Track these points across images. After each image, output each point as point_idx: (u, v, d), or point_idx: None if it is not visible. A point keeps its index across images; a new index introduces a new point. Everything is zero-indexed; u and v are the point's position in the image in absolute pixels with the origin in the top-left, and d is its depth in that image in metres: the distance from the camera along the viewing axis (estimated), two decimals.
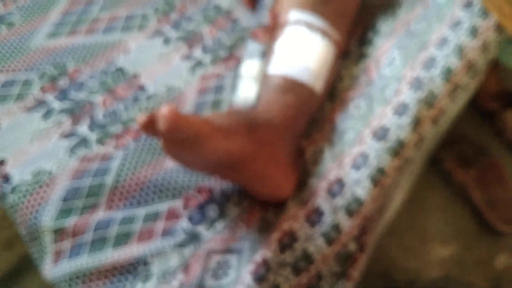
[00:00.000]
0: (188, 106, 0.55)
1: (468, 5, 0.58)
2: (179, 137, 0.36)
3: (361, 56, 0.62)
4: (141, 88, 0.56)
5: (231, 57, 0.61)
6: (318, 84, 0.52)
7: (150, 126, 0.36)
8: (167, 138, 0.37)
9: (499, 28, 0.57)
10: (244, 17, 0.65)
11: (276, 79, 0.51)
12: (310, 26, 0.53)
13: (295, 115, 0.49)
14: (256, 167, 0.43)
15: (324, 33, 0.54)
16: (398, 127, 0.50)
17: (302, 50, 0.52)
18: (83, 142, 0.50)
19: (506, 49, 0.67)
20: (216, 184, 0.48)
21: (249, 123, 0.44)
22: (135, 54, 0.59)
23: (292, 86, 0.50)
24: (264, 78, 0.53)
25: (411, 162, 0.54)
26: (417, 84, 0.52)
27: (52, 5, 0.63)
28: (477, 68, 0.57)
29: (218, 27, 0.63)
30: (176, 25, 0.63)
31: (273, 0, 0.60)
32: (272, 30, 0.56)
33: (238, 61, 0.60)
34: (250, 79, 0.54)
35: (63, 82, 0.55)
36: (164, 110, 0.34)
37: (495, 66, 0.95)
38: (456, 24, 0.57)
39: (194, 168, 0.43)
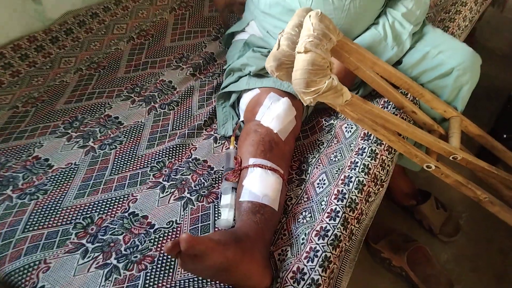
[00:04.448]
0: None
1: (367, 137, 0.87)
2: (193, 253, 0.57)
3: (301, 181, 0.88)
4: (150, 225, 0.77)
5: (210, 194, 0.85)
6: (275, 205, 0.76)
7: (173, 249, 0.56)
8: (184, 255, 0.58)
9: (390, 149, 0.86)
10: (218, 164, 0.91)
11: (247, 204, 0.74)
12: (263, 167, 0.79)
13: (264, 228, 0.72)
14: (243, 268, 0.63)
15: (273, 171, 0.80)
16: (334, 227, 0.74)
17: (261, 184, 0.77)
18: (114, 269, 0.69)
19: (405, 158, 0.97)
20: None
21: (234, 237, 0.65)
22: (141, 201, 0.81)
23: (258, 208, 0.74)
24: (238, 205, 0.76)
25: (348, 251, 0.77)
26: (341, 196, 0.78)
27: (75, 174, 0.86)
28: (381, 178, 0.84)
29: (198, 174, 0.88)
30: (168, 177, 0.87)
31: (236, 152, 0.87)
32: (238, 172, 0.81)
33: (216, 196, 0.84)
34: (228, 208, 0.78)
35: (92, 229, 0.75)
36: (183, 236, 0.55)
37: (403, 172, 1.26)
38: (361, 150, 0.86)
39: (202, 275, 0.63)
